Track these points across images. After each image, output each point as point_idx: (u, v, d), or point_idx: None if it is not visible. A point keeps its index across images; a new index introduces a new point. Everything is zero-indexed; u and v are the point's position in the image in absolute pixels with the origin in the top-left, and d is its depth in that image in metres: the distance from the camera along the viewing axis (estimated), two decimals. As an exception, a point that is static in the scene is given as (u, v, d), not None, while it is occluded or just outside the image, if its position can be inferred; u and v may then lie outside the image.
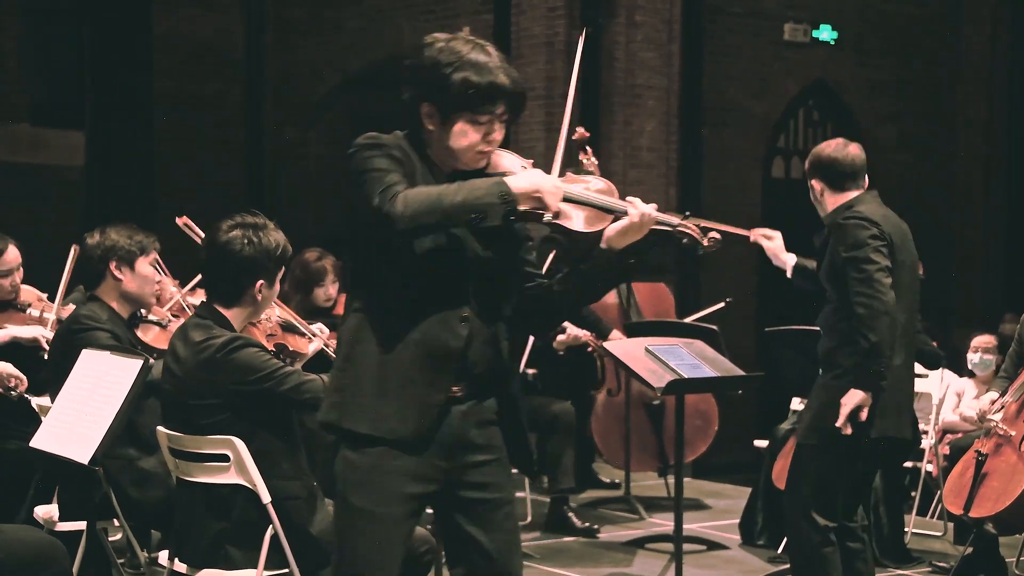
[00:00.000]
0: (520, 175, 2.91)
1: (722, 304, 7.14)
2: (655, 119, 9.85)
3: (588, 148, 6.98)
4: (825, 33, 11.40)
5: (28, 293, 5.29)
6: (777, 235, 4.80)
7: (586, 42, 9.72)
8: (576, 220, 3.01)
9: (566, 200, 2.97)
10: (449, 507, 3.04)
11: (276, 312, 4.86)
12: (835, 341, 4.42)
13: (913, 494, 6.56)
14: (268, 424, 3.80)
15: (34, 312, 5.21)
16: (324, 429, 3.04)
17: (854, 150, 4.53)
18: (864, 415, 4.30)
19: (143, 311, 4.80)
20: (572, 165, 6.93)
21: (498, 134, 2.98)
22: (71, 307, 5.17)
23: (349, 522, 2.98)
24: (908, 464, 6.39)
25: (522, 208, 2.87)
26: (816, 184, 4.54)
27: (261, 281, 3.88)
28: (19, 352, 4.99)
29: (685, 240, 3.08)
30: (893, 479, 5.96)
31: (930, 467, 6.46)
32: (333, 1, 12.16)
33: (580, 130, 7.11)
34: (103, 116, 10.74)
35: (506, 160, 3.05)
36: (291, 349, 4.73)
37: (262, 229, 3.87)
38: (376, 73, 11.78)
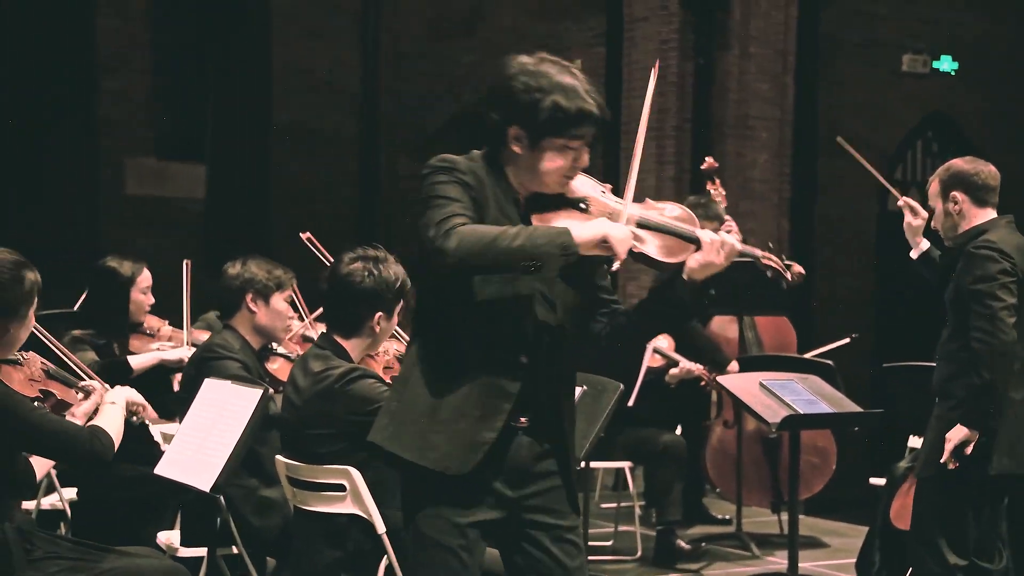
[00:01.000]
0: (587, 225, 2.82)
1: (847, 340, 7.04)
2: (768, 151, 9.78)
3: (716, 179, 6.99)
4: (946, 64, 11.21)
5: (154, 320, 5.47)
6: (924, 215, 4.71)
7: (699, 73, 9.79)
8: (650, 246, 2.94)
9: (640, 226, 2.93)
10: (515, 534, 3.00)
11: (394, 346, 4.93)
12: (951, 369, 4.35)
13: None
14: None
15: (160, 339, 5.39)
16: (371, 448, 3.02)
17: (991, 166, 4.51)
18: (969, 450, 4.22)
19: (274, 344, 4.91)
20: (700, 195, 6.96)
21: (584, 158, 2.96)
22: (204, 333, 5.34)
23: (419, 548, 2.96)
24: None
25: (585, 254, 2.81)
26: (958, 195, 4.43)
27: (380, 313, 3.95)
28: (148, 376, 5.16)
29: (769, 273, 3.04)
30: (1021, 521, 5.79)
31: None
32: (447, 34, 12.32)
33: (709, 160, 7.13)
34: (223, 149, 11.01)
35: (581, 184, 3.01)
36: None
37: (383, 262, 3.95)
38: (489, 106, 11.89)
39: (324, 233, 11.56)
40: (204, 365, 4.52)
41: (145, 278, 5.39)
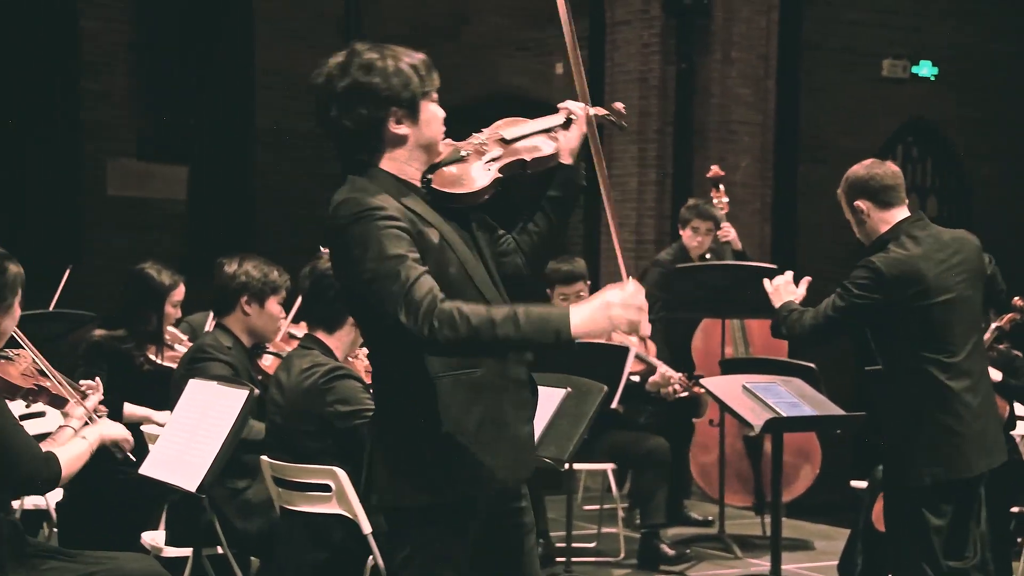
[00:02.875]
0: (588, 313, 2.61)
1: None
2: (750, 155, 9.82)
3: (721, 186, 7.06)
4: (925, 69, 11.28)
5: (171, 333, 5.45)
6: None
7: (681, 78, 9.82)
8: (545, 148, 3.02)
9: (518, 140, 2.99)
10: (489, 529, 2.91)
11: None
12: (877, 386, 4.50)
13: (1020, 540, 6.40)
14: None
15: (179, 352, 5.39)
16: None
17: (888, 165, 4.50)
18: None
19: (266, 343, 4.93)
20: (704, 199, 7.06)
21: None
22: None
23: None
24: (1015, 509, 6.24)
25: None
26: (861, 204, 4.43)
27: None
28: (151, 379, 5.14)
29: (612, 120, 3.17)
30: (999, 523, 5.83)
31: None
32: (430, 38, 12.32)
33: (715, 168, 7.22)
34: (206, 150, 10.98)
35: (471, 168, 2.95)
36: None
37: None
38: (471, 109, 11.91)
39: (307, 236, 11.57)
40: (193, 366, 4.53)
41: (180, 292, 5.37)
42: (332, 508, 3.88)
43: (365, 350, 4.81)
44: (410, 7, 12.41)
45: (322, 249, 4.05)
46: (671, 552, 6.27)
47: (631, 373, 6.41)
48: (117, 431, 3.77)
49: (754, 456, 6.95)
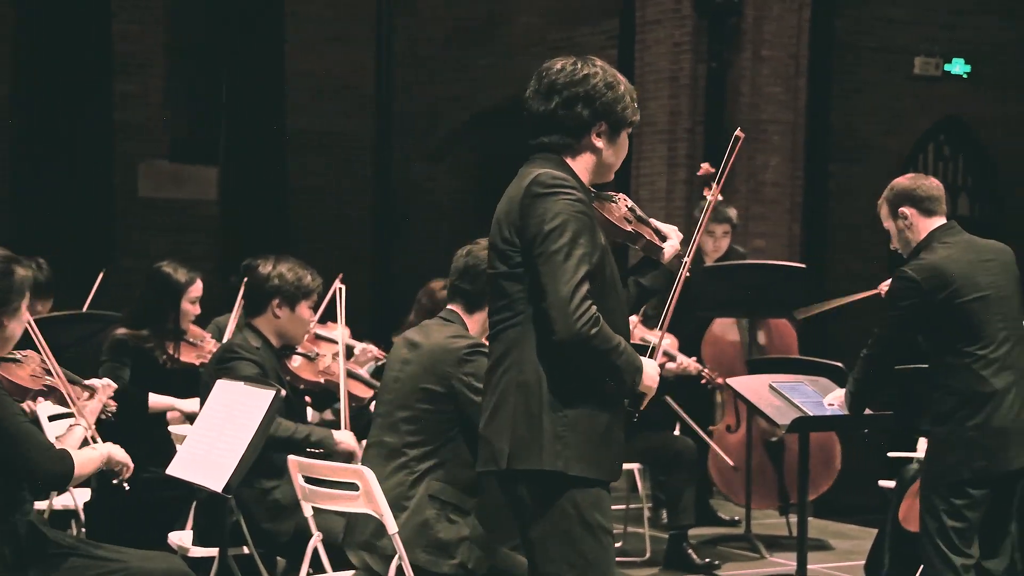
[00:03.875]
0: (650, 372, 3.15)
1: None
2: (780, 154, 9.78)
3: (713, 184, 6.98)
4: (957, 67, 11.20)
5: (196, 329, 5.51)
6: None
7: (711, 77, 9.80)
8: (658, 239, 3.46)
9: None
10: None
11: None
12: (931, 383, 4.55)
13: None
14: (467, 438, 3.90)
15: (203, 349, 5.44)
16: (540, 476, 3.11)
17: (933, 179, 4.70)
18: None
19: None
20: (697, 199, 6.98)
21: None
22: None
23: (600, 544, 3.12)
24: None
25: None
26: (906, 211, 4.60)
27: None
28: (175, 377, 5.20)
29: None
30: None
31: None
32: (462, 39, 12.36)
33: (705, 166, 7.12)
34: (237, 151, 11.05)
35: (616, 211, 3.38)
36: None
37: None
38: (504, 110, 11.92)
39: (339, 237, 11.66)
40: (222, 365, 4.56)
41: (197, 288, 5.41)
42: (359, 507, 3.90)
43: None
44: (445, 7, 12.45)
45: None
46: (699, 560, 6.27)
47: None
48: (124, 456, 3.84)
49: (775, 459, 6.92)
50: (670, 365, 6.53)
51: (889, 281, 4.85)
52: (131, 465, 3.86)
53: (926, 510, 4.54)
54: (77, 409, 3.85)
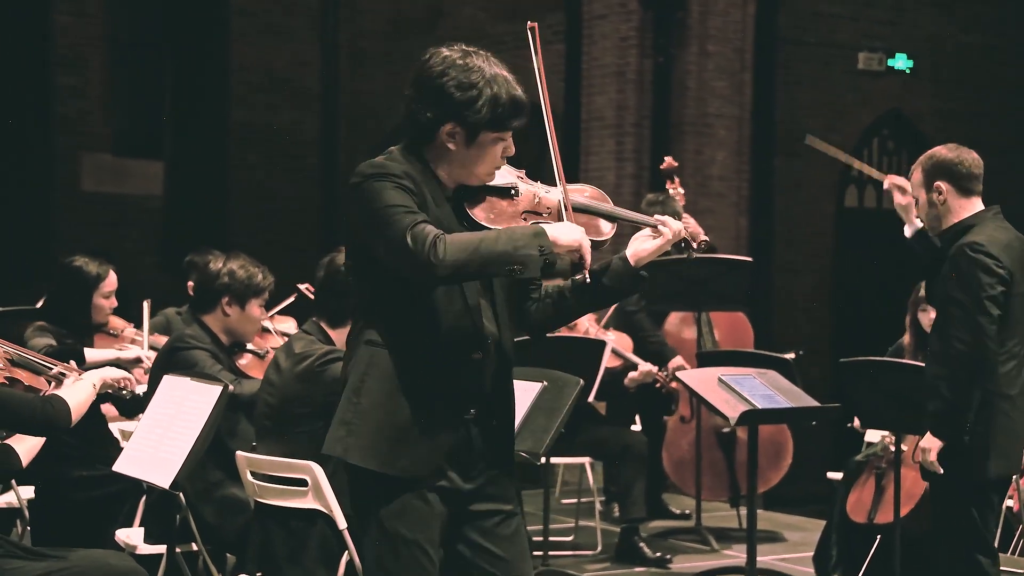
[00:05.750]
0: (559, 226, 2.85)
1: (791, 355, 6.91)
2: (726, 148, 9.84)
3: (676, 178, 7.02)
4: (900, 62, 11.32)
5: (117, 321, 5.43)
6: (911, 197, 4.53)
7: (658, 71, 9.85)
8: (602, 230, 3.00)
9: (606, 217, 2.99)
10: (460, 522, 2.98)
11: None
12: (938, 368, 4.22)
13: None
14: None
15: (123, 340, 5.36)
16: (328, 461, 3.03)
17: (974, 154, 4.30)
18: (932, 453, 4.23)
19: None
20: (664, 193, 7.01)
21: (512, 147, 2.97)
22: (163, 338, 5.31)
23: (393, 552, 2.89)
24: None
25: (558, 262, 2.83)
26: (942, 185, 4.24)
27: None
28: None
29: (683, 244, 3.10)
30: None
31: (1010, 502, 6.34)
32: (406, 32, 12.31)
33: (668, 159, 7.16)
34: (181, 146, 10.95)
35: (501, 171, 3.01)
36: None
37: None
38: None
39: (282, 230, 11.58)
40: (175, 355, 4.50)
41: (110, 282, 5.32)
42: (308, 503, 3.87)
43: None
44: (386, 1, 12.40)
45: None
46: (651, 554, 6.28)
47: (608, 369, 6.42)
48: (117, 372, 3.83)
49: (727, 451, 6.97)
50: (633, 374, 6.53)
51: (898, 185, 4.51)
52: (130, 375, 3.85)
53: (941, 509, 4.30)
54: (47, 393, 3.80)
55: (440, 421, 2.89)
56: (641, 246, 3.03)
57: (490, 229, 2.89)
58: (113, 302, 5.35)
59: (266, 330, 5.55)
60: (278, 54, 11.99)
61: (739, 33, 9.86)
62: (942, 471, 4.21)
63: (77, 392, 3.69)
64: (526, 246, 2.77)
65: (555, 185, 3.00)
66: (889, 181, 4.58)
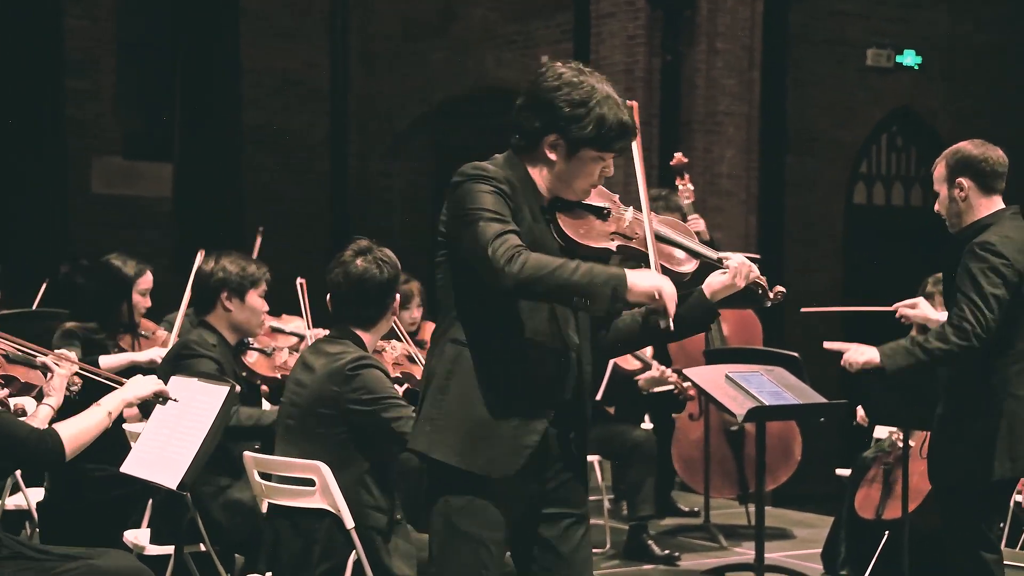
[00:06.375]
0: (640, 274, 2.91)
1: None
2: (735, 146, 9.84)
3: (686, 174, 7.02)
4: (909, 58, 11.30)
5: (149, 323, 5.46)
6: (921, 302, 4.67)
7: (666, 69, 9.85)
8: (681, 265, 3.10)
9: (686, 251, 3.09)
10: (532, 521, 3.08)
11: (399, 344, 5.05)
12: (951, 370, 4.25)
13: (1001, 525, 6.43)
14: (370, 452, 3.92)
15: (155, 342, 5.39)
16: (412, 455, 3.07)
17: (999, 151, 4.30)
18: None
19: (250, 339, 4.96)
20: (668, 188, 7.01)
21: (611, 168, 3.06)
22: None
23: (453, 546, 3.00)
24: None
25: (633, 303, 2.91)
26: (965, 182, 4.23)
27: (396, 296, 4.11)
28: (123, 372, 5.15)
29: (759, 291, 3.18)
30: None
31: (1019, 497, 6.33)
32: (417, 34, 12.33)
33: (678, 156, 7.16)
34: (191, 148, 10.99)
35: (594, 194, 3.11)
36: (417, 378, 4.86)
37: (379, 250, 4.08)
38: (459, 104, 11.92)
39: (296, 233, 11.61)
40: (179, 363, 4.53)
41: (147, 280, 5.38)
42: (316, 503, 3.89)
43: (390, 345, 4.92)
44: (398, 4, 12.42)
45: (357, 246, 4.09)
46: (659, 552, 6.28)
47: (628, 371, 6.44)
48: (146, 387, 3.79)
49: (736, 449, 6.96)
50: (647, 374, 6.54)
51: (906, 305, 4.61)
52: (162, 387, 3.83)
53: (949, 512, 4.28)
54: (45, 389, 3.81)
55: (522, 422, 2.98)
56: (713, 282, 3.13)
57: (577, 244, 3.00)
58: (148, 301, 5.39)
59: (276, 330, 5.57)
60: (288, 56, 12.02)
61: (748, 31, 9.86)
62: (852, 371, 4.29)
63: (83, 423, 3.64)
64: (601, 284, 2.84)
65: (642, 212, 3.09)
66: (899, 311, 4.67)
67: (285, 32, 12.04)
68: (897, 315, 4.69)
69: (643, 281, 2.88)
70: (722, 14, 9.74)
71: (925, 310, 4.71)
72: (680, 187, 7.02)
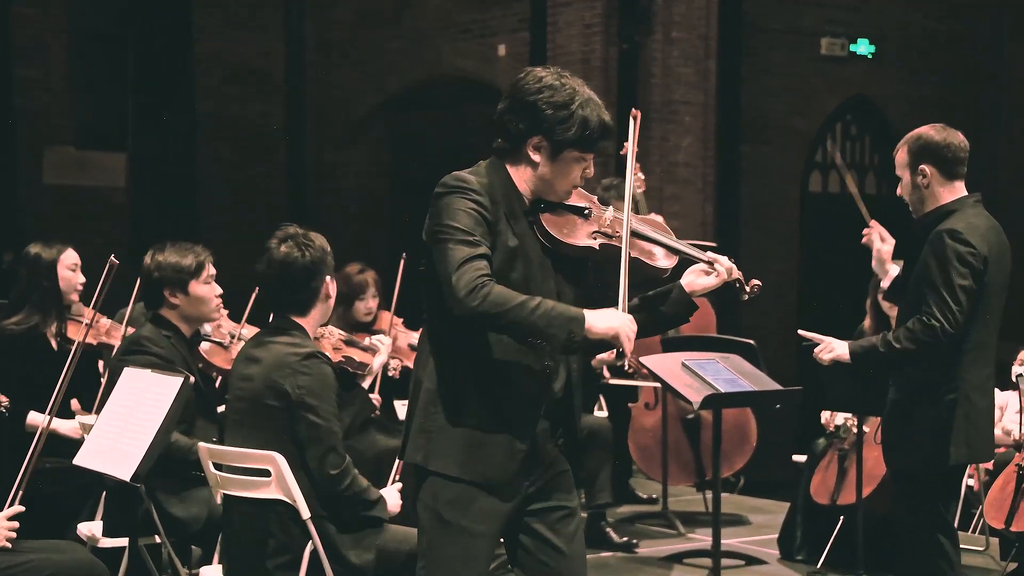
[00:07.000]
0: (602, 316, 2.96)
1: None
2: (692, 135, 9.87)
3: (636, 164, 7.01)
4: (863, 47, 11.37)
5: (87, 310, 5.40)
6: (892, 242, 4.60)
7: (623, 58, 9.85)
8: (659, 261, 3.17)
9: (667, 248, 3.15)
10: (525, 515, 3.17)
11: (337, 330, 5.02)
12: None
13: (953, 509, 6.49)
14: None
15: (99, 330, 5.33)
16: (410, 467, 3.17)
17: (960, 135, 4.27)
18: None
19: (207, 329, 4.94)
20: (620, 178, 6.99)
21: (591, 168, 3.14)
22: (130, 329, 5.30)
23: (445, 539, 3.08)
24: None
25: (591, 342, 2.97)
26: (927, 168, 4.21)
27: (327, 277, 4.06)
28: (65, 355, 5.09)
29: (738, 285, 3.24)
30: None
31: (971, 481, 6.41)
32: (373, 23, 12.27)
33: (627, 145, 7.15)
34: (145, 138, 10.89)
35: (575, 196, 3.19)
36: (358, 361, 4.84)
37: (304, 234, 4.03)
38: (415, 93, 11.88)
39: (250, 221, 11.53)
40: (124, 357, 4.49)
41: (70, 255, 5.34)
42: (271, 493, 3.87)
43: (327, 331, 4.92)
44: (354, -9, 12.37)
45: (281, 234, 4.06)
46: (618, 539, 6.31)
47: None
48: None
49: (692, 436, 7.00)
50: (601, 356, 6.55)
51: (872, 232, 4.56)
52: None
53: (904, 497, 4.29)
54: None
55: (514, 428, 3.07)
56: (696, 280, 3.19)
57: (560, 243, 3.07)
58: (79, 276, 5.34)
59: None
60: (243, 44, 11.93)
61: (704, 20, 9.89)
62: (826, 362, 4.34)
63: None
64: (557, 327, 2.92)
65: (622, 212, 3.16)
66: (869, 233, 4.61)
67: (240, 20, 11.94)
68: (865, 239, 4.62)
69: (601, 323, 2.95)
70: (678, 3, 9.76)
71: (888, 251, 4.60)
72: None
